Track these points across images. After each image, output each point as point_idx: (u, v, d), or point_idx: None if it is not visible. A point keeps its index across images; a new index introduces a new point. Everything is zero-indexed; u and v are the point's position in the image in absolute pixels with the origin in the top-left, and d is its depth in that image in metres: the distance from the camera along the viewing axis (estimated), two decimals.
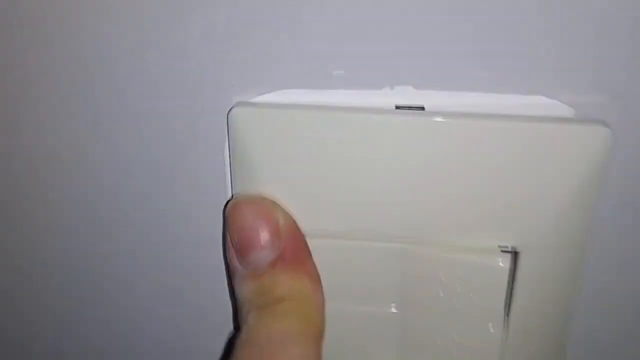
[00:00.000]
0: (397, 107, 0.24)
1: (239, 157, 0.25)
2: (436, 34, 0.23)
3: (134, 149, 0.26)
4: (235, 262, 0.23)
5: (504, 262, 0.24)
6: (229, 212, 0.24)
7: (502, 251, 0.24)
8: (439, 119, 0.23)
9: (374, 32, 0.23)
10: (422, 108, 0.24)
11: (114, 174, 0.27)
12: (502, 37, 0.22)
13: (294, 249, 0.23)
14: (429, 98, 0.24)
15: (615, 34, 0.22)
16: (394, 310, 0.26)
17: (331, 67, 0.24)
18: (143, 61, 0.24)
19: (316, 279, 0.23)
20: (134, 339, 0.31)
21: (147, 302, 0.30)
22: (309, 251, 0.24)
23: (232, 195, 0.26)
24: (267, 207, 0.24)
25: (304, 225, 0.25)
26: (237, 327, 0.24)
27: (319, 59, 0.24)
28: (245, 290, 0.23)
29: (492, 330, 0.25)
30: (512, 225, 0.24)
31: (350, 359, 0.27)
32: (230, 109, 0.24)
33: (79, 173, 0.27)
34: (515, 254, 0.24)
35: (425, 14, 0.22)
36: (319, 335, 0.23)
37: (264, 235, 0.23)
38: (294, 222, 0.24)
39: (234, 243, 0.23)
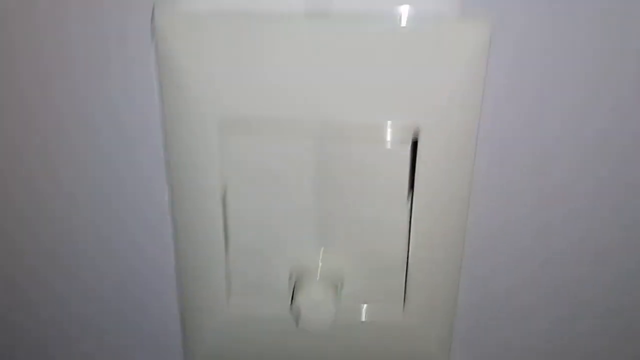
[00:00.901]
0: (306, 13, 0.26)
1: (165, 60, 0.27)
2: None
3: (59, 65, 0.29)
4: None
5: (404, 149, 0.28)
6: None
7: (403, 140, 0.28)
8: (343, 22, 0.26)
9: None
10: (329, 13, 0.26)
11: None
12: None
13: None
14: (336, 2, 0.26)
15: None
16: (314, 196, 0.30)
17: None
18: None
19: None
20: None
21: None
22: None
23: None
24: None
25: (230, 120, 0.28)
26: None
27: None
28: None
29: (399, 206, 0.29)
30: (412, 115, 0.27)
31: (276, 245, 0.31)
32: (154, 17, 0.26)
33: None
34: (415, 143, 0.28)
35: None
36: None
37: None
38: None
39: None
